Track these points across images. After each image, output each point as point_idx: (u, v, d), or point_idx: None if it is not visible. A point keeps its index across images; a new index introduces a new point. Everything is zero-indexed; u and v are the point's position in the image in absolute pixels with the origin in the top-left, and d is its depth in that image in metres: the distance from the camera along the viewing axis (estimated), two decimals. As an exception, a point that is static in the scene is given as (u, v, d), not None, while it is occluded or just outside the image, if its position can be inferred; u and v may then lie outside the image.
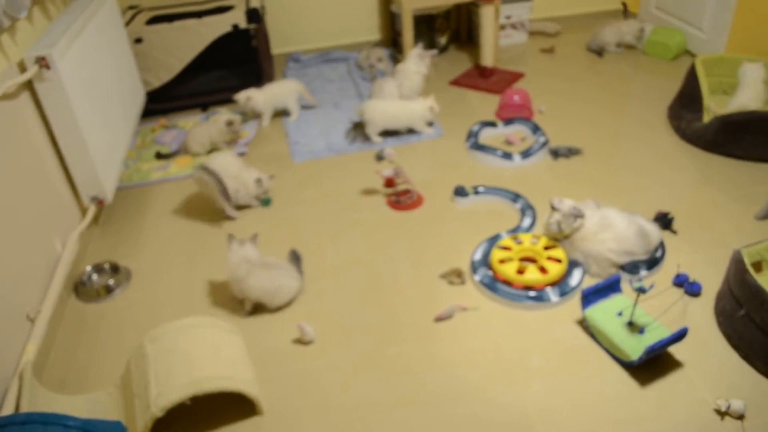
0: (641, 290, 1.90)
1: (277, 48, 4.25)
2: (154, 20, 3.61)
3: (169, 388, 1.71)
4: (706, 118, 2.96)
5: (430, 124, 3.24)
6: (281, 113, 3.52)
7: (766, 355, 1.91)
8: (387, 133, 3.21)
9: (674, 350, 1.98)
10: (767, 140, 2.82)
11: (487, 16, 3.67)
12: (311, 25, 4.22)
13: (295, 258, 2.31)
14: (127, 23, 3.56)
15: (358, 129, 3.27)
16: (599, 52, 4.07)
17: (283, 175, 2.99)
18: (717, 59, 3.30)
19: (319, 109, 3.56)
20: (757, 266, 2.17)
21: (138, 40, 3.47)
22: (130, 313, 2.30)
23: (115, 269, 2.48)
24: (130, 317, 2.28)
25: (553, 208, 2.24)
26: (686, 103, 3.16)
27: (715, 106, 2.98)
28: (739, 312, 1.97)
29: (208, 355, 1.84)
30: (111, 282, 2.40)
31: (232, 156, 2.78)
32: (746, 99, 2.96)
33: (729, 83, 3.26)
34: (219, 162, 2.69)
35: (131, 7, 3.86)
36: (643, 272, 2.25)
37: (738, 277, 2.00)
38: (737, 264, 2.01)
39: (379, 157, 2.73)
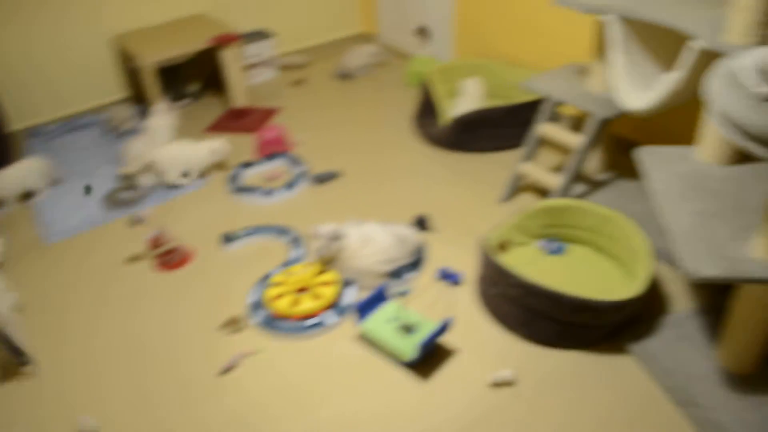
0: (403, 294, 2.01)
1: (16, 124, 3.92)
2: None
3: None
4: (442, 121, 3.23)
5: (218, 166, 3.20)
6: (28, 195, 3.24)
7: (522, 323, 2.11)
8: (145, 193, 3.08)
9: (447, 339, 2.12)
10: (496, 132, 3.16)
11: (229, 59, 3.69)
12: (51, 93, 3.94)
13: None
14: None
15: (116, 195, 3.10)
16: (347, 77, 4.27)
17: (37, 262, 2.75)
18: (449, 67, 3.61)
19: (70, 181, 3.33)
20: (502, 247, 2.40)
21: None
22: None
23: None
24: None
25: (314, 236, 2.30)
26: (427, 111, 3.43)
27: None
28: (493, 290, 2.17)
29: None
30: None
31: None
32: (466, 106, 3.27)
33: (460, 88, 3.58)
34: None
35: None
36: (410, 274, 2.38)
37: (486, 259, 2.19)
38: (484, 248, 2.21)
39: (135, 221, 2.62)
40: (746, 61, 1.46)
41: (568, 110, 3.28)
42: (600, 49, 2.52)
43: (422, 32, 4.15)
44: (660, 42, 2.38)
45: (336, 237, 2.26)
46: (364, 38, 4.76)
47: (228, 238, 2.65)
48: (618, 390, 1.95)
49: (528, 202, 2.81)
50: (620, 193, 2.75)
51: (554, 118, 2.79)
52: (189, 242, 2.73)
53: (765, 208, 1.60)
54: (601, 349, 2.08)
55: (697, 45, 1.97)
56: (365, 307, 2.13)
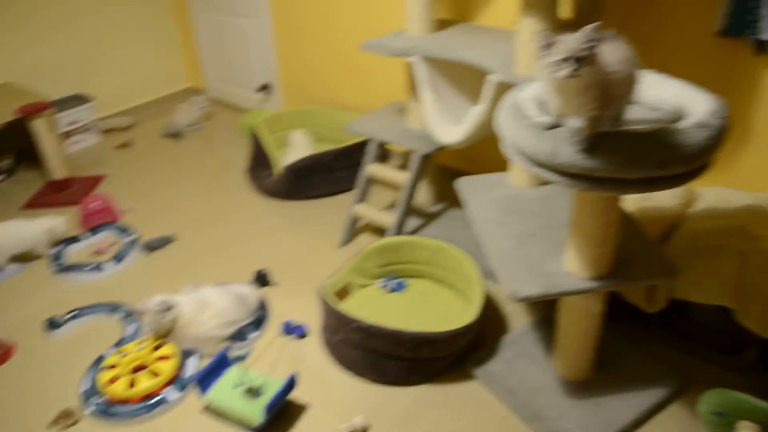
0: (243, 356, 1.94)
1: None
2: None
3: None
4: (275, 171, 3.21)
5: (58, 243, 2.94)
6: None
7: (369, 366, 2.11)
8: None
9: (297, 395, 2.07)
10: (329, 177, 3.18)
11: (41, 129, 3.45)
12: None
13: None
14: None
15: None
16: (176, 135, 4.14)
17: None
18: (276, 116, 3.61)
19: None
20: (344, 291, 2.39)
21: None
22: None
23: None
24: None
25: (143, 311, 2.17)
26: (259, 163, 3.39)
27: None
28: (337, 337, 2.15)
29: None
30: None
31: None
32: (294, 157, 3.26)
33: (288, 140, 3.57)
34: None
35: None
36: (253, 334, 2.31)
37: (326, 307, 2.17)
38: (322, 296, 2.19)
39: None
40: (527, 94, 1.57)
41: (398, 147, 3.38)
42: (413, 88, 2.63)
43: (265, 89, 4.12)
44: (465, 78, 2.52)
45: (165, 308, 2.14)
46: (192, 93, 4.65)
47: (53, 325, 2.44)
48: (470, 417, 1.99)
49: (367, 243, 2.84)
50: (452, 222, 2.85)
51: (384, 156, 2.86)
52: (8, 335, 2.48)
53: (570, 223, 1.72)
54: (449, 379, 2.12)
55: (494, 78, 2.10)
56: (206, 377, 2.02)
